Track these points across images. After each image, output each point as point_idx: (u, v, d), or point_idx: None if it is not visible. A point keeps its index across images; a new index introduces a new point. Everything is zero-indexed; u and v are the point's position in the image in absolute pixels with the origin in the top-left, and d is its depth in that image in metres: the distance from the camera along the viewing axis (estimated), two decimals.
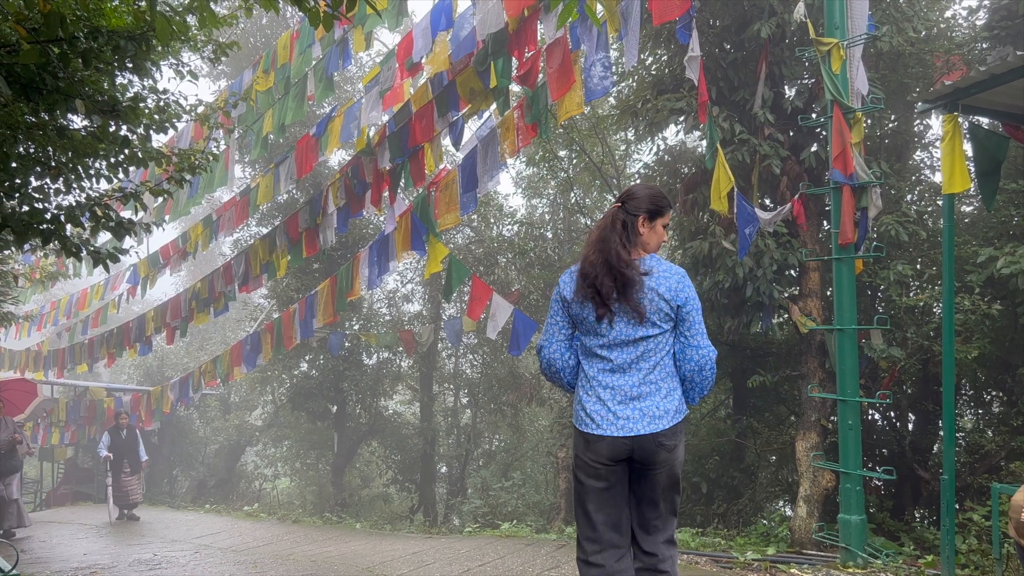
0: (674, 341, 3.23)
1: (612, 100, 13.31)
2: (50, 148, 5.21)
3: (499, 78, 8.41)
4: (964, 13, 9.96)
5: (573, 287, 3.31)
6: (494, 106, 8.97)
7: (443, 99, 9.07)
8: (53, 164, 5.28)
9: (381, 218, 15.12)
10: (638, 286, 3.12)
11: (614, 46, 10.17)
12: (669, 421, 3.13)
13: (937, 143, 9.90)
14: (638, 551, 3.26)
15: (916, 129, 10.10)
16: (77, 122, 5.32)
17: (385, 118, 10.93)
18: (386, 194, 10.32)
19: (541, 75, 8.20)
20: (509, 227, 17.22)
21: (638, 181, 13.47)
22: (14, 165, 5.13)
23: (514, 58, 8.39)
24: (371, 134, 10.73)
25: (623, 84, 11.84)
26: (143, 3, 4.27)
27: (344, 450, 19.02)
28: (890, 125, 10.05)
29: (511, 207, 18.06)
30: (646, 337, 3.16)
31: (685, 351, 3.20)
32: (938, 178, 9.68)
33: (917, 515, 9.64)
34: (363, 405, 19.08)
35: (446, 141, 9.71)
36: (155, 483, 21.30)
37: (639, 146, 14.69)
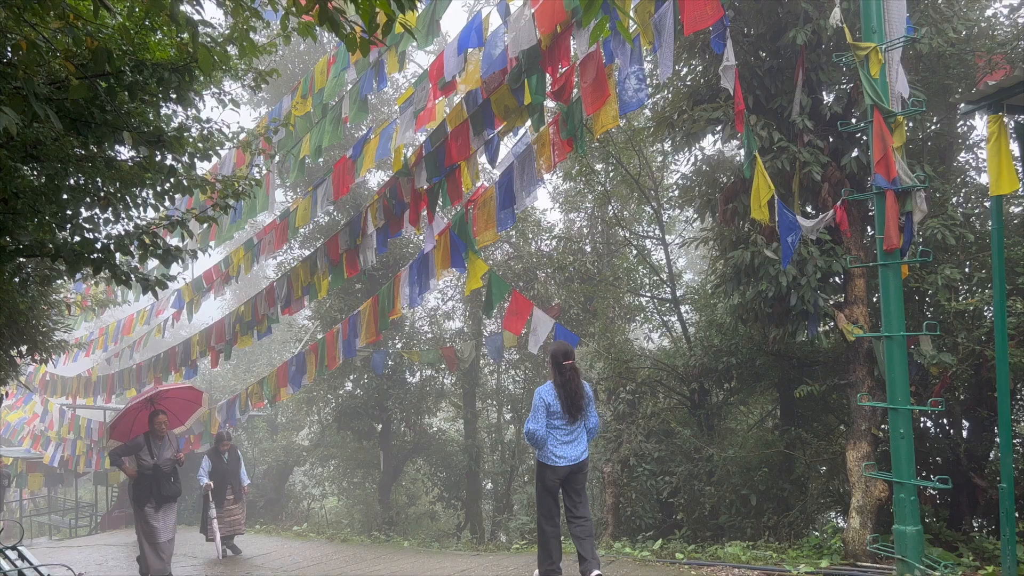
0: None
1: (647, 112, 13.28)
2: (99, 179, 5.35)
3: (533, 95, 8.45)
4: (1006, 11, 9.75)
5: (554, 397, 6.55)
6: (529, 123, 9.01)
7: (478, 118, 9.14)
8: (102, 195, 5.42)
9: (420, 237, 15.24)
10: (586, 401, 6.68)
11: (648, 58, 10.16)
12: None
13: (982, 144, 9.70)
14: (572, 517, 6.65)
15: (960, 130, 9.91)
16: (124, 153, 5.46)
17: (421, 138, 11.03)
18: (424, 213, 10.41)
19: (575, 90, 8.22)
20: (547, 242, 17.22)
21: (676, 192, 13.40)
22: (65, 197, 5.28)
23: (548, 74, 8.43)
24: (408, 154, 10.84)
25: (658, 96, 11.81)
26: (185, 35, 4.37)
27: (390, 468, 19.11)
28: (932, 127, 9.87)
29: (549, 222, 18.08)
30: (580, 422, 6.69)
31: (589, 421, 6.77)
32: (984, 179, 9.48)
33: (975, 525, 9.38)
34: (408, 423, 19.16)
35: (482, 159, 9.77)
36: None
37: (676, 157, 14.61)
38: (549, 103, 9.45)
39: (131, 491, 9.16)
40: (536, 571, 6.92)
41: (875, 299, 8.95)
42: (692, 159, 11.48)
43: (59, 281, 8.60)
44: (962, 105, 7.28)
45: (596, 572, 6.41)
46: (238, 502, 11.57)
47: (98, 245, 5.32)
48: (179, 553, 13.25)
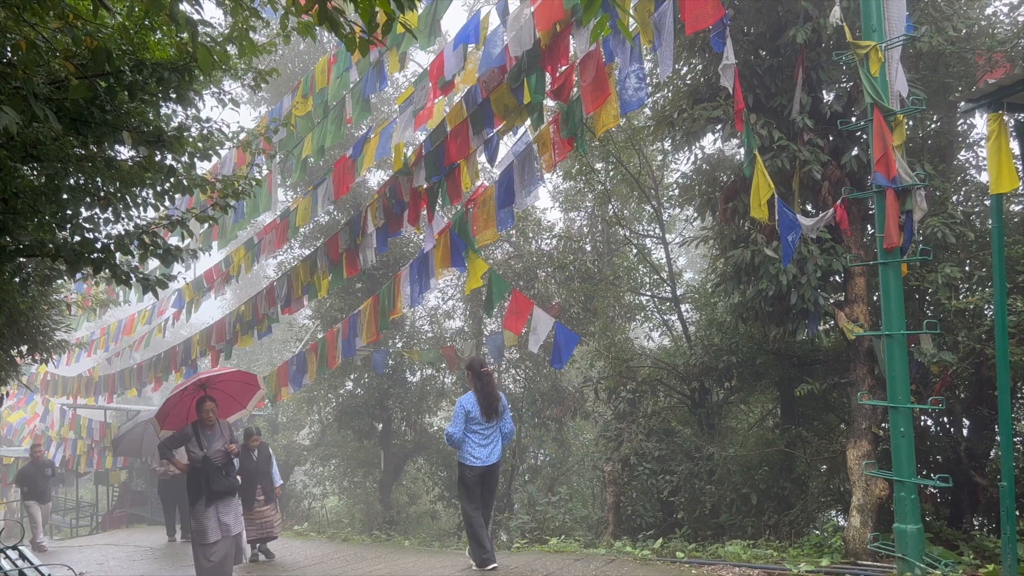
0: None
1: (647, 111, 13.27)
2: (99, 179, 5.36)
3: (533, 94, 8.44)
4: (1006, 10, 9.73)
5: (473, 404, 7.74)
6: (529, 122, 9.01)
7: (478, 117, 9.14)
8: (102, 194, 5.43)
9: (420, 236, 15.23)
10: (502, 406, 7.89)
11: (648, 57, 10.15)
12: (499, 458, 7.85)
13: (982, 142, 9.70)
14: (486, 510, 7.88)
15: (960, 129, 9.90)
16: (124, 153, 5.46)
17: (421, 137, 11.03)
18: (424, 212, 10.41)
19: (575, 89, 8.22)
20: (548, 241, 17.20)
21: (676, 191, 13.40)
22: (65, 197, 5.29)
23: (547, 73, 8.42)
24: (408, 154, 10.84)
25: (658, 94, 11.79)
26: (185, 35, 4.37)
27: (391, 468, 19.10)
28: (932, 126, 9.87)
29: (549, 221, 18.06)
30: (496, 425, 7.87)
31: (504, 426, 7.95)
32: (984, 178, 9.48)
33: (976, 523, 9.38)
34: (408, 422, 19.15)
35: (482, 158, 9.76)
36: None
37: (676, 156, 14.60)
38: (549, 102, 9.45)
39: (186, 487, 8.34)
40: (473, 564, 7.95)
41: (875, 298, 8.95)
42: (692, 158, 11.48)
43: (59, 281, 8.60)
44: (962, 103, 7.28)
45: (493, 565, 7.85)
46: (270, 503, 10.60)
47: (98, 245, 5.32)
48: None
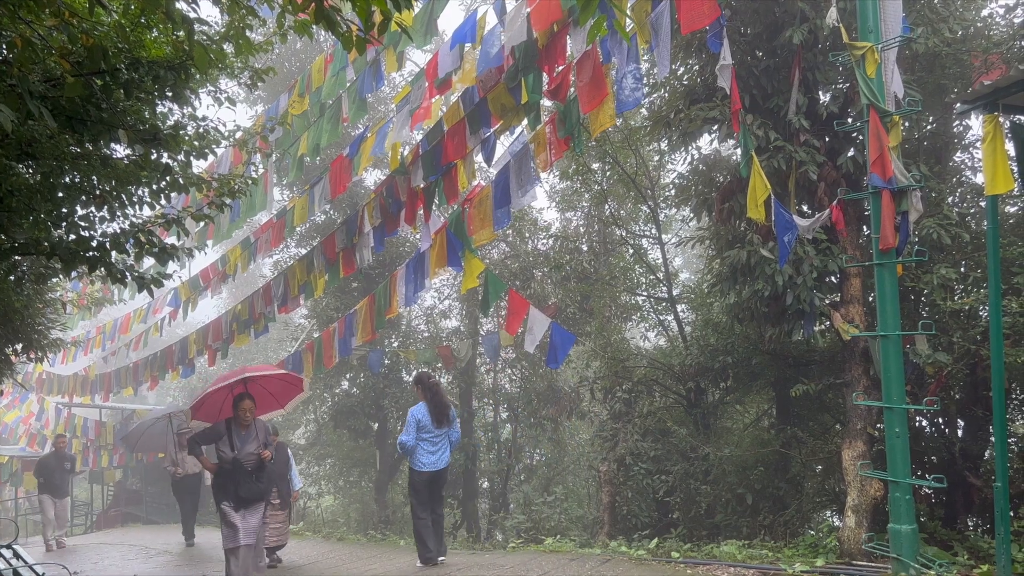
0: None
1: (644, 111, 13.28)
2: (95, 177, 5.35)
3: (530, 94, 8.44)
4: (1002, 11, 9.74)
5: (424, 414, 8.31)
6: (526, 121, 9.01)
7: (475, 116, 9.13)
8: (98, 193, 5.42)
9: (417, 236, 15.23)
10: (451, 415, 8.52)
11: (645, 57, 10.16)
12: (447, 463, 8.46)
13: (978, 144, 9.71)
14: (433, 514, 8.45)
15: (956, 130, 9.92)
16: (120, 151, 5.45)
17: (418, 136, 11.03)
18: (421, 212, 10.40)
19: (572, 89, 8.22)
20: (544, 241, 17.21)
21: (672, 191, 13.41)
22: (60, 195, 5.28)
23: (544, 73, 8.42)
24: (404, 153, 10.84)
25: (655, 95, 11.80)
26: (181, 33, 4.37)
27: (386, 467, 19.08)
28: (928, 127, 9.89)
29: (545, 221, 18.08)
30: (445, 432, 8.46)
31: (452, 434, 8.55)
32: (980, 179, 9.49)
33: (970, 523, 9.40)
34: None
35: (478, 158, 9.76)
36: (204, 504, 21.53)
37: (673, 156, 14.60)
38: (546, 102, 9.45)
39: (212, 486, 7.78)
40: (418, 562, 8.56)
41: (871, 298, 8.96)
42: (688, 158, 11.49)
43: (55, 279, 8.58)
44: (958, 105, 7.30)
45: (441, 558, 8.57)
46: (284, 508, 9.86)
47: (94, 243, 5.32)
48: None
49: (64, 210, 5.42)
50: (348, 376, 18.82)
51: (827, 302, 9.12)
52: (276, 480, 9.25)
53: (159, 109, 5.42)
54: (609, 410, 13.76)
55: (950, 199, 9.43)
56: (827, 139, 9.31)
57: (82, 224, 5.52)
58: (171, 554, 11.65)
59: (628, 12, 7.44)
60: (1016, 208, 9.49)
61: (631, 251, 15.75)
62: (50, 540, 13.28)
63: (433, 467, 8.36)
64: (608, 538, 11.90)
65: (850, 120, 8.73)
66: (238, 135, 7.04)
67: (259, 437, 7.73)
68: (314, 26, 4.11)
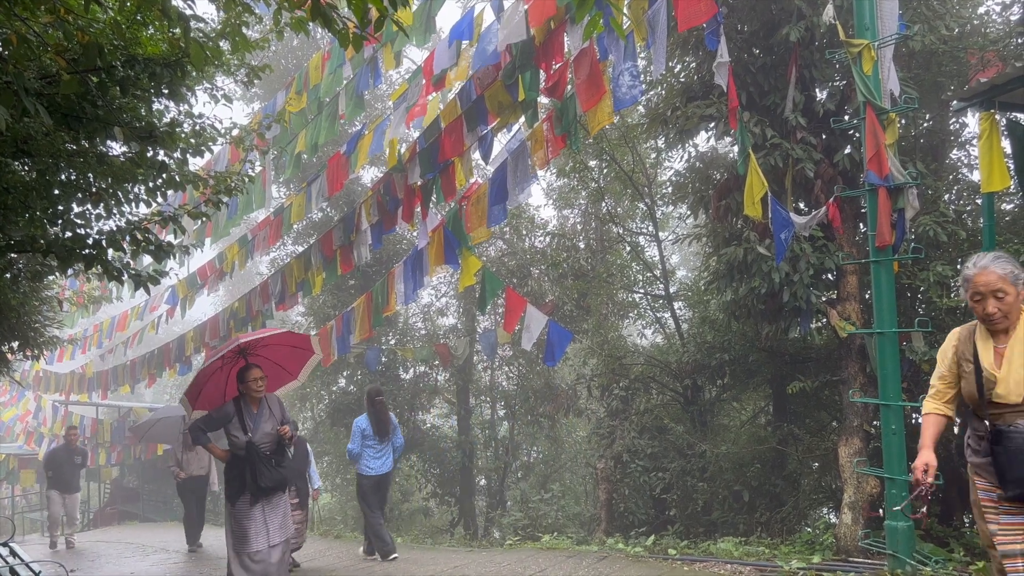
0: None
1: (641, 109, 13.28)
2: (90, 175, 5.34)
3: (527, 91, 8.44)
4: (998, 9, 9.77)
5: (367, 424, 9.00)
6: (523, 119, 9.00)
7: (472, 114, 9.13)
8: (94, 190, 5.41)
9: (414, 233, 15.22)
10: (392, 427, 9.27)
11: (642, 55, 10.16)
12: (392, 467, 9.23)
13: (974, 141, 9.73)
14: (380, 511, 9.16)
15: (952, 128, 9.94)
16: (116, 149, 5.44)
17: (415, 134, 11.01)
18: (418, 209, 10.39)
19: (569, 86, 8.22)
20: (541, 238, 17.21)
21: (669, 189, 13.42)
22: (56, 192, 5.27)
23: (541, 70, 8.42)
24: (402, 150, 10.83)
25: (652, 92, 11.81)
26: (177, 30, 4.36)
27: None
28: (925, 125, 9.91)
29: (543, 218, 18.08)
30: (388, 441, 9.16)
31: (396, 441, 9.28)
32: (976, 177, 9.51)
33: (966, 520, 9.42)
34: (401, 419, 19.12)
35: (476, 155, 9.75)
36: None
37: (670, 153, 14.62)
38: (543, 99, 9.45)
39: (224, 480, 6.53)
40: (377, 555, 9.10)
41: (867, 296, 8.98)
42: (685, 156, 11.50)
43: (51, 277, 8.57)
44: (954, 102, 7.30)
45: (394, 555, 9.05)
46: (301, 508, 9.12)
47: (90, 241, 5.31)
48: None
49: (60, 207, 5.41)
50: (345, 374, 18.82)
51: (824, 299, 9.13)
52: (294, 476, 8.02)
53: (155, 106, 5.41)
54: (606, 407, 13.78)
55: (946, 196, 9.45)
56: (824, 136, 9.32)
57: (78, 221, 5.51)
58: (168, 552, 11.64)
59: (625, 9, 7.44)
60: (1012, 205, 9.52)
61: (628, 248, 15.77)
62: (58, 540, 12.77)
63: (378, 471, 9.03)
64: (605, 535, 11.91)
65: (847, 117, 8.75)
66: (235, 132, 7.02)
67: (275, 414, 6.50)
68: (311, 23, 4.10)
